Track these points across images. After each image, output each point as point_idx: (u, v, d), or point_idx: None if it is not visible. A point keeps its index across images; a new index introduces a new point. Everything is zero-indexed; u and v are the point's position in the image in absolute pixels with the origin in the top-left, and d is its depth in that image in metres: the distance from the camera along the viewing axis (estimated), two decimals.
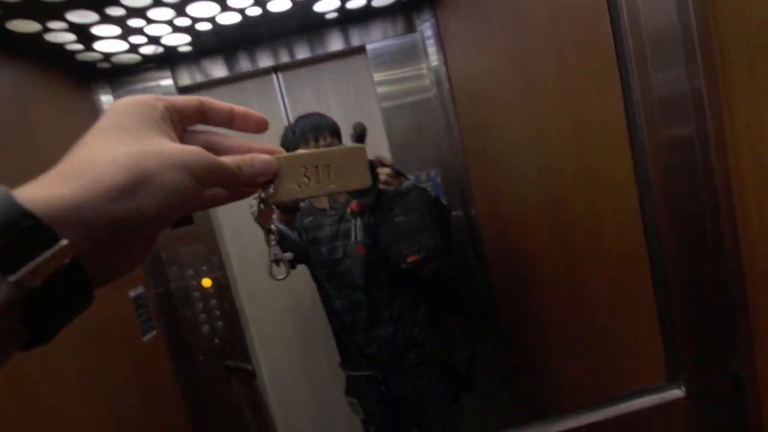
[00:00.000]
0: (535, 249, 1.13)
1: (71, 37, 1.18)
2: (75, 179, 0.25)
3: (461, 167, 1.66)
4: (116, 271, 0.29)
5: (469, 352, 1.39)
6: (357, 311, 1.32)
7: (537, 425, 0.71)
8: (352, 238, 1.18)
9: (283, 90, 1.71)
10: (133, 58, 1.44)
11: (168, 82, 1.57)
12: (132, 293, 1.43)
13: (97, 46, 1.28)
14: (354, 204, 1.20)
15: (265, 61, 1.63)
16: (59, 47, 1.22)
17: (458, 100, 1.59)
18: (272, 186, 0.38)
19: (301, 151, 0.40)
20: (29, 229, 0.22)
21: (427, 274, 1.28)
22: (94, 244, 0.25)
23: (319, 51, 1.65)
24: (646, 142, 0.60)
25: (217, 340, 1.63)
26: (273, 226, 0.40)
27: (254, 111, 0.38)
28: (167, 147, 0.29)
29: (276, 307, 1.76)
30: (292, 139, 1.30)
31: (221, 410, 1.65)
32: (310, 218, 1.37)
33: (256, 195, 0.38)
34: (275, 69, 1.69)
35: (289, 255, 0.41)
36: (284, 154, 0.39)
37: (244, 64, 1.63)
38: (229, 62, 1.62)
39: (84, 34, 1.18)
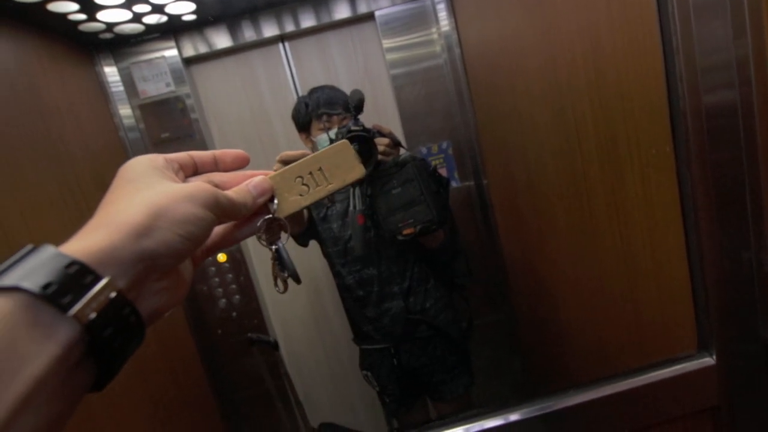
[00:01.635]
0: (551, 219, 1.13)
1: (74, 6, 1.14)
2: (105, 227, 0.29)
3: (473, 137, 1.64)
4: (163, 307, 0.33)
5: (466, 323, 1.41)
6: (368, 286, 1.33)
7: (560, 395, 0.72)
8: (350, 207, 1.16)
9: (290, 60, 1.66)
10: (136, 28, 1.39)
11: (172, 52, 1.53)
12: None
13: (100, 15, 1.23)
14: None
15: (270, 30, 1.58)
16: (62, 17, 1.18)
17: (470, 66, 1.55)
18: (275, 204, 0.41)
19: (290, 164, 0.43)
20: (76, 274, 0.26)
21: (435, 246, 1.29)
22: (137, 281, 0.29)
23: (326, 19, 1.59)
24: (687, 110, 0.58)
25: (234, 314, 1.65)
26: (274, 247, 0.43)
27: (231, 150, 0.42)
28: (174, 186, 0.33)
29: (290, 279, 1.77)
30: (305, 112, 1.27)
31: (242, 381, 1.69)
32: None
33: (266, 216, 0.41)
34: (281, 38, 1.63)
35: (285, 275, 0.44)
36: (277, 171, 0.42)
37: (249, 34, 1.58)
38: (234, 32, 1.57)
39: (87, 4, 1.14)
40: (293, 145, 1.70)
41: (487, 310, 1.76)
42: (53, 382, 0.24)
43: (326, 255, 1.38)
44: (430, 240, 1.27)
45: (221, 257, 1.62)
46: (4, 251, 0.92)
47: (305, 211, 1.30)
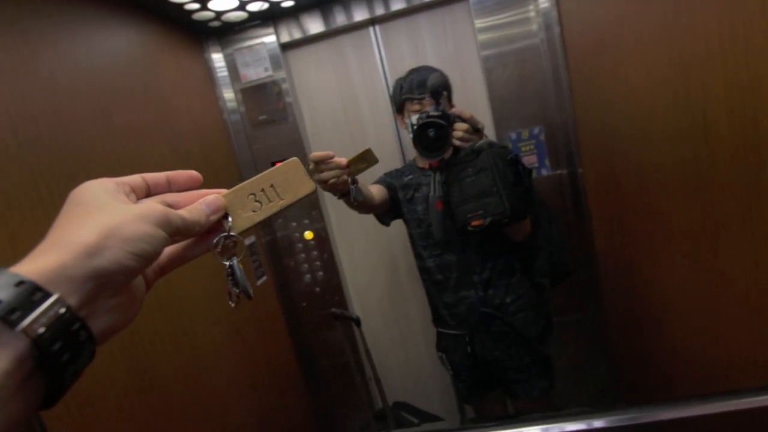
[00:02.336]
0: (663, 214, 1.03)
1: None
2: (56, 249, 0.29)
3: (569, 122, 1.53)
4: (115, 325, 0.33)
5: (545, 326, 1.34)
6: (447, 271, 1.31)
7: (661, 406, 0.66)
8: (430, 192, 1.14)
9: (380, 43, 1.67)
10: (240, 15, 1.48)
11: (271, 38, 1.61)
12: (246, 241, 1.56)
13: (211, 5, 1.33)
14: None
15: (361, 14, 1.59)
16: (179, 7, 1.29)
17: (570, 46, 1.44)
18: (230, 221, 0.42)
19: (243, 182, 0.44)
20: (26, 291, 0.26)
21: (519, 239, 1.23)
22: (89, 299, 0.30)
23: (417, 1, 1.57)
24: None
25: (317, 289, 1.74)
26: (228, 263, 0.43)
27: (183, 171, 0.42)
28: (125, 206, 0.34)
29: (370, 259, 1.82)
30: (399, 94, 1.28)
31: (324, 352, 1.79)
32: (410, 176, 1.36)
33: (222, 233, 0.42)
34: (372, 21, 1.64)
35: (237, 291, 0.44)
36: (230, 190, 0.43)
37: (341, 19, 1.61)
38: (327, 17, 1.61)
39: None
40: (379, 128, 1.72)
41: (572, 308, 1.67)
42: (1, 395, 0.25)
43: (410, 236, 1.39)
44: (514, 232, 1.22)
45: (308, 234, 1.71)
46: None
47: (385, 193, 1.31)
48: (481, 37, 1.55)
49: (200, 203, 0.40)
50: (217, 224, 0.41)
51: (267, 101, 1.65)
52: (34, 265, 0.28)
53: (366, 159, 0.90)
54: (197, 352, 1.18)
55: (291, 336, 1.77)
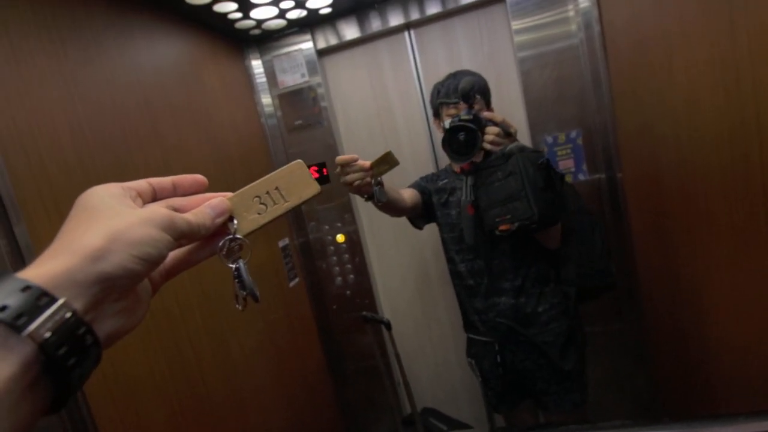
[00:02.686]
0: (709, 221, 0.97)
1: (233, 6, 1.29)
2: (62, 254, 0.30)
3: (608, 125, 1.48)
4: (121, 329, 0.33)
5: (580, 338, 1.29)
6: (478, 277, 1.29)
7: (707, 422, 0.62)
8: (462, 197, 1.13)
9: (415, 47, 1.67)
10: (279, 23, 1.53)
11: (308, 45, 1.65)
12: (280, 243, 1.60)
13: (253, 13, 1.38)
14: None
15: (396, 18, 1.61)
16: (223, 16, 1.34)
17: (612, 46, 1.40)
18: (235, 224, 0.42)
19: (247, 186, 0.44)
20: (32, 296, 0.27)
21: (553, 247, 1.19)
22: (95, 303, 0.30)
23: (452, 5, 1.57)
24: None
25: (348, 292, 1.76)
26: (235, 265, 0.43)
27: (189, 175, 0.42)
28: (130, 211, 0.34)
29: (401, 263, 1.82)
30: (435, 98, 1.28)
31: (354, 354, 1.80)
32: (445, 181, 1.35)
33: (227, 236, 0.42)
34: (407, 26, 1.65)
35: (243, 293, 0.44)
36: (235, 193, 0.43)
37: (376, 24, 1.63)
38: (363, 22, 1.63)
39: (243, 2, 1.28)
40: (413, 133, 1.73)
41: (610, 317, 1.60)
42: (9, 400, 0.25)
43: (442, 240, 1.39)
44: (547, 239, 1.19)
45: (340, 237, 1.73)
46: None
47: (418, 197, 1.31)
48: (518, 38, 1.53)
49: (205, 206, 0.40)
50: (222, 227, 0.42)
51: (303, 106, 1.69)
52: (40, 270, 0.29)
53: (387, 161, 0.92)
54: (232, 356, 1.21)
55: (321, 338, 1.79)
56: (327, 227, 1.75)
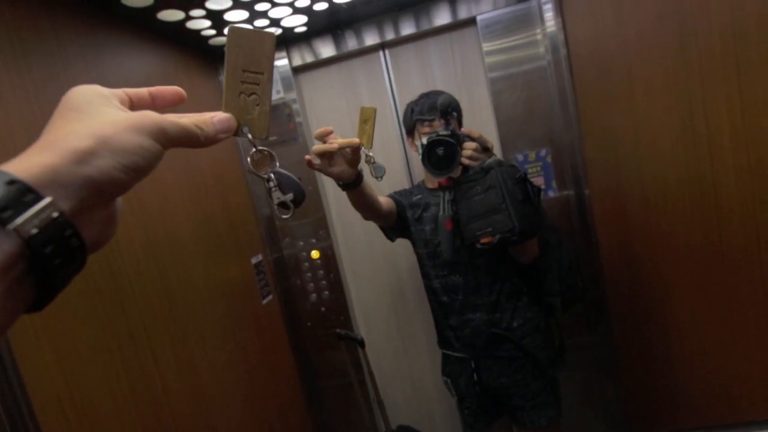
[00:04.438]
0: (669, 237, 1.01)
1: (207, 23, 1.29)
2: (48, 150, 0.28)
3: (575, 144, 1.54)
4: (102, 238, 0.32)
5: (556, 350, 1.31)
6: (453, 293, 1.30)
7: None
8: (440, 212, 1.14)
9: (389, 66, 1.71)
10: None
11: (283, 62, 1.66)
12: (253, 260, 1.58)
13: (227, 31, 1.38)
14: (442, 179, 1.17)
15: (372, 38, 1.64)
16: (197, 33, 1.34)
17: (577, 68, 1.46)
18: (248, 132, 0.40)
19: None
20: (17, 191, 0.26)
21: (526, 261, 1.22)
22: (83, 207, 0.29)
23: (426, 26, 1.61)
24: None
25: (323, 309, 1.74)
26: (269, 174, 0.42)
27: (168, 87, 0.41)
28: (120, 115, 0.32)
29: (376, 279, 1.82)
30: (409, 117, 1.30)
31: (327, 372, 1.77)
32: (419, 196, 1.36)
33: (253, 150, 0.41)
34: (382, 46, 1.69)
35: (290, 196, 0.42)
36: (223, 108, 0.41)
37: (352, 43, 1.65)
38: (338, 41, 1.66)
39: (217, 20, 1.28)
40: (387, 150, 1.75)
41: (580, 330, 1.63)
42: None
43: (417, 256, 1.39)
44: (521, 253, 1.21)
45: (315, 254, 1.72)
46: (142, 233, 1.07)
47: (393, 206, 1.32)
48: (489, 59, 1.58)
49: (211, 118, 0.39)
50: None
51: (278, 122, 1.69)
52: (25, 164, 0.27)
53: (366, 117, 0.87)
54: (201, 376, 1.18)
55: (295, 356, 1.76)
56: (301, 243, 1.74)
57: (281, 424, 1.55)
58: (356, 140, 0.92)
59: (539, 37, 1.55)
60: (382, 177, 1.00)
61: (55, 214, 0.27)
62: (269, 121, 0.42)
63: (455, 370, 1.37)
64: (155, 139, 0.33)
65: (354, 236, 1.80)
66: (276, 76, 1.67)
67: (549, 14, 1.52)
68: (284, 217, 0.44)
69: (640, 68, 1.03)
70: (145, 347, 0.99)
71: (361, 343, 1.47)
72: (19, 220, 0.25)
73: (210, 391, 1.20)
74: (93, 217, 0.31)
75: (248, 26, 0.44)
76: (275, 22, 1.40)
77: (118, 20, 1.13)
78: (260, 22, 1.37)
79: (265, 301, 1.61)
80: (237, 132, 0.41)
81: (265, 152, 0.42)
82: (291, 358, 1.73)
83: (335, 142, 0.91)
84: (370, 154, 0.96)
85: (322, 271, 1.74)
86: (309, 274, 1.74)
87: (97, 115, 0.32)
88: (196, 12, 1.19)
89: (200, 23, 1.28)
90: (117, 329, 0.92)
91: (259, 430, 1.42)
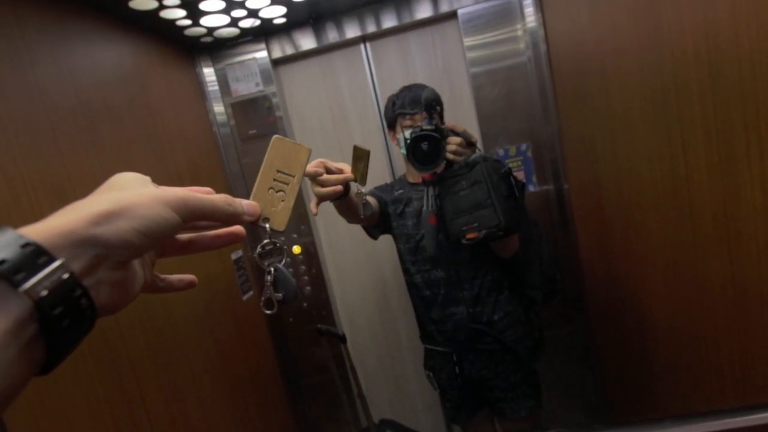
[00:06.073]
0: (644, 230, 1.03)
1: (182, 13, 1.25)
2: (69, 214, 0.30)
3: (555, 139, 1.55)
4: (115, 301, 0.33)
5: (536, 342, 1.33)
6: (435, 287, 1.30)
7: (647, 426, 0.65)
8: (424, 207, 1.13)
9: (371, 59, 1.69)
10: (232, 32, 1.50)
11: (263, 54, 1.63)
12: (233, 256, 1.55)
13: (203, 21, 1.34)
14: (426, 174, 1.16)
15: (353, 31, 1.62)
16: (171, 23, 1.30)
17: (557, 64, 1.47)
18: (267, 226, 0.43)
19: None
20: (31, 254, 0.27)
21: (507, 257, 1.23)
22: (91, 266, 0.30)
23: (407, 19, 1.60)
24: None
25: (305, 304, 1.73)
26: (272, 269, 0.44)
27: (202, 188, 0.42)
28: (148, 189, 0.35)
29: (359, 274, 1.81)
30: (391, 110, 1.29)
31: (309, 368, 1.76)
32: (400, 191, 1.36)
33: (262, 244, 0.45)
34: (363, 39, 1.67)
35: (278, 296, 0.45)
36: (251, 197, 0.44)
37: (333, 35, 1.63)
38: (319, 34, 1.63)
39: (192, 10, 1.25)
40: (369, 143, 1.73)
41: (559, 322, 1.66)
42: (4, 356, 0.25)
43: (398, 251, 1.39)
44: (503, 249, 1.22)
45: (296, 249, 1.70)
46: None
47: (376, 206, 1.31)
48: (470, 54, 1.58)
49: (240, 201, 0.41)
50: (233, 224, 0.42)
51: (257, 116, 1.66)
52: (43, 227, 0.28)
53: (359, 156, 0.88)
54: (179, 376, 1.16)
55: (277, 352, 1.75)
56: (282, 238, 1.72)
57: (262, 421, 1.54)
58: (351, 176, 0.89)
59: (520, 32, 1.56)
60: (367, 216, 1.00)
61: (66, 275, 0.27)
62: (289, 217, 0.46)
63: (437, 363, 1.38)
64: (176, 211, 0.34)
65: (336, 231, 1.79)
66: (255, 69, 1.64)
67: (529, 9, 1.53)
68: (266, 312, 0.46)
69: (614, 64, 1.04)
70: (119, 347, 0.97)
71: (343, 339, 1.46)
72: (30, 282, 0.26)
73: (187, 390, 1.18)
74: (106, 277, 0.31)
75: (290, 140, 0.47)
76: (253, 13, 1.37)
77: (89, 8, 1.09)
78: (237, 12, 1.33)
79: (245, 297, 1.58)
80: (258, 221, 0.44)
81: (278, 245, 0.46)
82: (272, 354, 1.72)
83: (334, 179, 0.87)
84: (363, 191, 0.95)
85: (303, 267, 1.72)
86: (290, 270, 1.72)
87: (126, 190, 0.34)
88: (170, 1, 1.15)
89: (175, 12, 1.24)
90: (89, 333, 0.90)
91: (241, 427, 1.40)
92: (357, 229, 1.40)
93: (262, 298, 0.46)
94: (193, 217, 0.36)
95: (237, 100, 1.66)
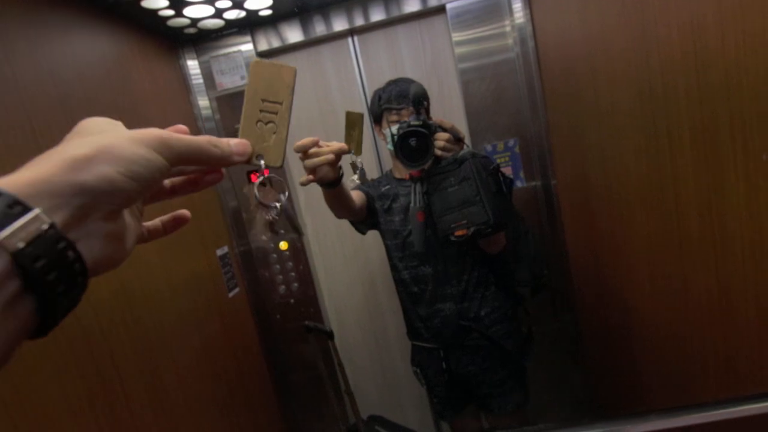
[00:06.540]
0: (630, 226, 1.05)
1: (164, 2, 1.22)
2: (44, 162, 0.27)
3: (542, 135, 1.56)
4: (109, 257, 0.31)
5: (524, 338, 1.34)
6: (422, 283, 1.30)
7: (633, 419, 0.66)
8: (411, 204, 1.12)
9: (358, 53, 1.67)
10: (217, 23, 1.47)
11: (248, 47, 1.60)
12: (219, 252, 1.53)
13: (186, 11, 1.31)
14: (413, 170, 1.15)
15: (340, 24, 1.60)
16: (153, 13, 1.27)
17: (545, 61, 1.48)
18: (262, 161, 0.40)
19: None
20: (4, 204, 0.24)
21: (495, 253, 1.23)
22: (77, 217, 0.27)
23: (395, 12, 1.58)
24: None
25: (292, 300, 1.71)
26: (277, 204, 0.43)
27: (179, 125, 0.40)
28: (125, 130, 0.33)
29: (347, 270, 1.80)
30: (377, 105, 1.27)
31: (297, 365, 1.75)
32: (387, 187, 1.35)
33: (258, 180, 0.42)
34: (351, 32, 1.65)
35: (283, 232, 0.44)
36: (239, 134, 0.40)
37: (320, 28, 1.61)
38: (306, 26, 1.61)
39: (175, 0, 1.21)
40: None
41: (547, 318, 1.68)
42: None
43: (386, 247, 1.38)
44: (490, 245, 1.22)
45: (283, 245, 1.68)
46: None
47: (364, 200, 1.30)
48: (459, 50, 1.57)
49: (228, 140, 0.38)
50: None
51: None
52: (16, 177, 0.26)
53: (353, 122, 0.84)
54: (164, 375, 1.13)
55: (264, 349, 1.73)
56: (270, 234, 1.70)
57: (249, 419, 1.52)
58: (345, 146, 0.88)
59: (508, 28, 1.55)
60: (363, 183, 0.97)
61: (45, 226, 0.25)
62: (285, 150, 0.41)
63: (424, 360, 1.38)
64: (159, 152, 0.32)
65: (324, 227, 1.78)
66: (240, 61, 1.61)
67: (517, 5, 1.52)
68: (269, 240, 0.44)
69: (603, 61, 1.05)
70: (100, 345, 0.94)
71: (330, 335, 1.45)
72: (3, 233, 0.24)
73: (172, 389, 1.16)
74: (95, 230, 0.29)
75: (271, 60, 0.43)
76: (237, 4, 1.34)
77: None
78: (222, 3, 1.30)
79: (231, 294, 1.56)
80: (250, 159, 0.40)
81: (275, 181, 0.43)
82: (259, 351, 1.70)
83: (327, 149, 0.86)
84: (359, 161, 0.92)
85: (291, 263, 1.71)
86: (277, 266, 1.70)
87: (100, 133, 0.32)
88: None
89: (157, 2, 1.20)
90: (68, 331, 0.87)
91: (226, 427, 1.39)
92: (345, 225, 1.39)
93: (269, 231, 0.44)
94: (179, 160, 0.33)
95: (222, 93, 1.63)
